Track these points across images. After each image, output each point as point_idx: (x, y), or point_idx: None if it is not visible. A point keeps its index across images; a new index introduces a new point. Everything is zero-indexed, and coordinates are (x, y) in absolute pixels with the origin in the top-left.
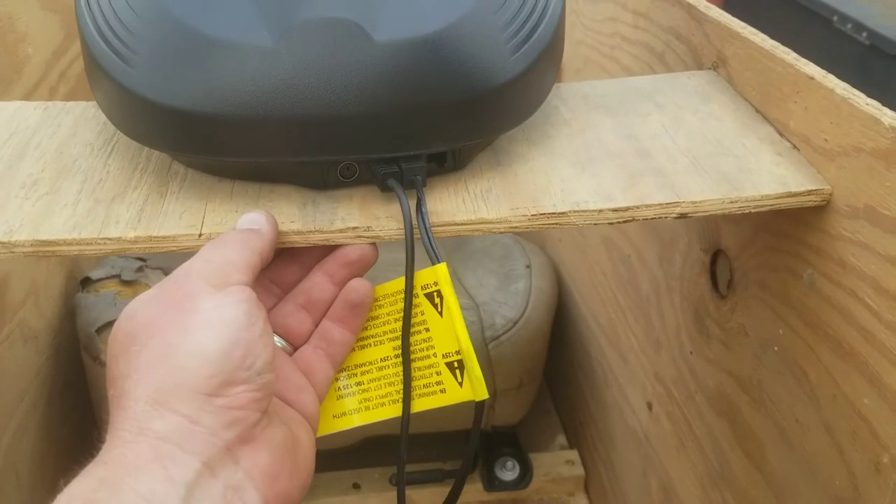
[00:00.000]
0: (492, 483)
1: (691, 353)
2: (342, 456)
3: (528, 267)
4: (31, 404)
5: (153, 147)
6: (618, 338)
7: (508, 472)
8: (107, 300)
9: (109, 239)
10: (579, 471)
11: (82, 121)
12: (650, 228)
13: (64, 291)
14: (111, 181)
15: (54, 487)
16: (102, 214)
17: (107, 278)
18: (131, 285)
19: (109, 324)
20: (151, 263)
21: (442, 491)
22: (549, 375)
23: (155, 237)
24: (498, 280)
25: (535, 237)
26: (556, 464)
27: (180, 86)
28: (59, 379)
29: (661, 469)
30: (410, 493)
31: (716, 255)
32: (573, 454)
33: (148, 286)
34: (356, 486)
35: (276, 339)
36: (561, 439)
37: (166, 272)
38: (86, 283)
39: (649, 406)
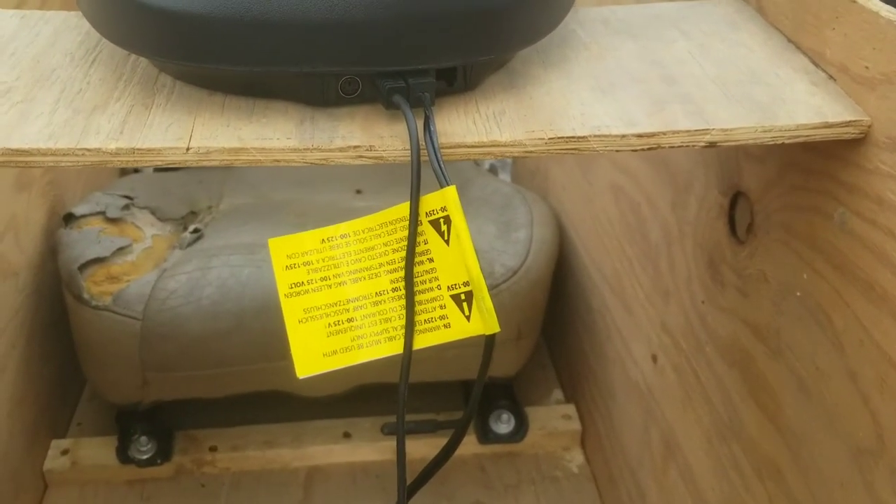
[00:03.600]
0: (486, 435)
1: (703, 301)
2: (333, 404)
3: (529, 215)
4: (9, 344)
5: (140, 53)
6: (622, 289)
7: (503, 424)
8: (90, 237)
9: (88, 150)
10: (576, 425)
11: (63, 30)
12: (664, 172)
13: (46, 227)
14: (92, 91)
15: (35, 430)
16: (81, 124)
17: (91, 215)
18: (116, 223)
19: (92, 261)
20: (138, 202)
21: (434, 442)
22: (546, 329)
23: (139, 149)
24: (498, 228)
25: (538, 187)
26: (552, 418)
27: None
28: (40, 318)
29: (664, 422)
30: None
31: (735, 199)
32: (570, 408)
33: (134, 224)
34: (347, 435)
35: None
36: (557, 394)
37: (154, 212)
38: (69, 219)
39: (654, 358)
